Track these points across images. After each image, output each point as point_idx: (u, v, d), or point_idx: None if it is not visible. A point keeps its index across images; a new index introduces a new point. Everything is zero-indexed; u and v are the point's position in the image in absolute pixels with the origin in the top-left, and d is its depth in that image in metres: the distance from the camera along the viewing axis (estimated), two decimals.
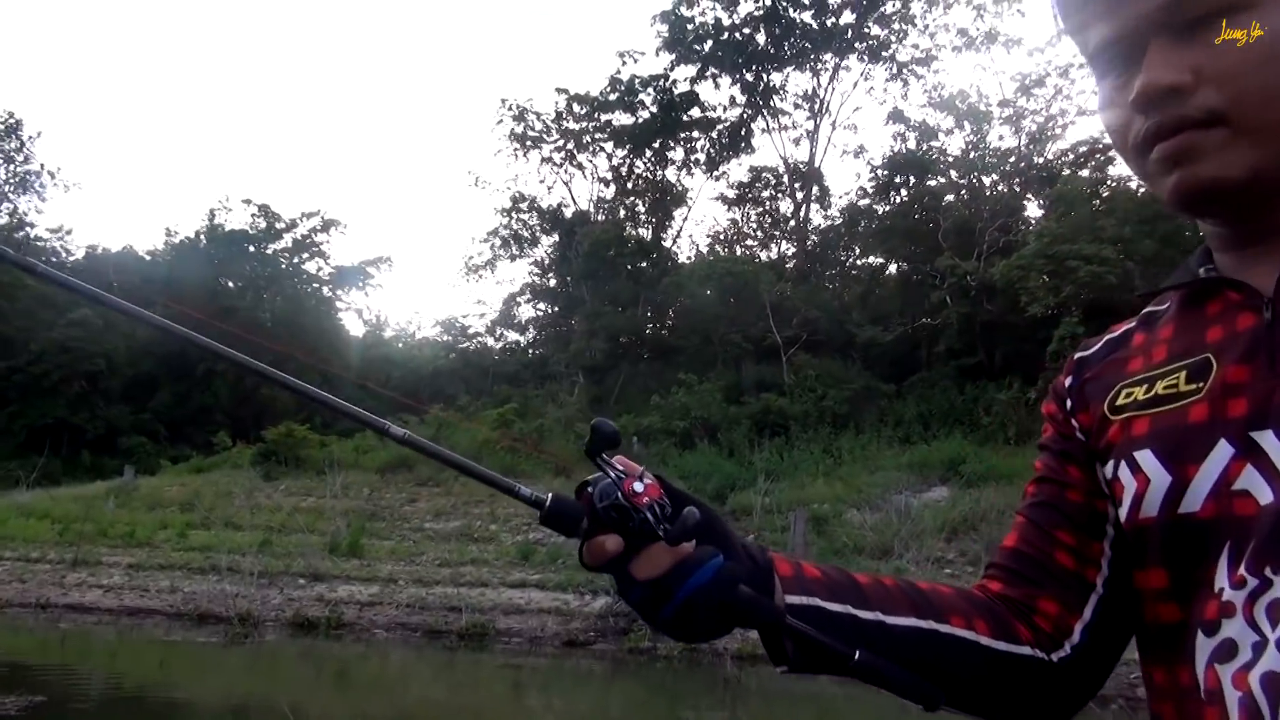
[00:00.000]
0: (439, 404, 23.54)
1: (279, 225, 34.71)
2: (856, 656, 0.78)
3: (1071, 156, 25.11)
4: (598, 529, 0.74)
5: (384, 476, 19.00)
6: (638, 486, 0.74)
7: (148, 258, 35.58)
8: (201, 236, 34.47)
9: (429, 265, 69.54)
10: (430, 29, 66.03)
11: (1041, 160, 25.43)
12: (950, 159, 26.21)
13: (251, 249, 34.56)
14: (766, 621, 0.77)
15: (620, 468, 0.75)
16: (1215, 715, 0.70)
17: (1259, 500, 0.69)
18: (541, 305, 32.86)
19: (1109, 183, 22.69)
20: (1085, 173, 23.73)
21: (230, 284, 34.00)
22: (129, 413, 29.56)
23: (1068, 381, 0.91)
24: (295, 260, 35.43)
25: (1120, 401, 0.82)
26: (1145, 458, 0.77)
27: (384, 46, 67.14)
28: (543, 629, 12.44)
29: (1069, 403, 0.90)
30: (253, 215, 34.64)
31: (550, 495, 0.75)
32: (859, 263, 28.84)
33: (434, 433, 19.73)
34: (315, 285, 35.92)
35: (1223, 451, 0.72)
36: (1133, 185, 22.54)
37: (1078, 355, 0.92)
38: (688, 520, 0.74)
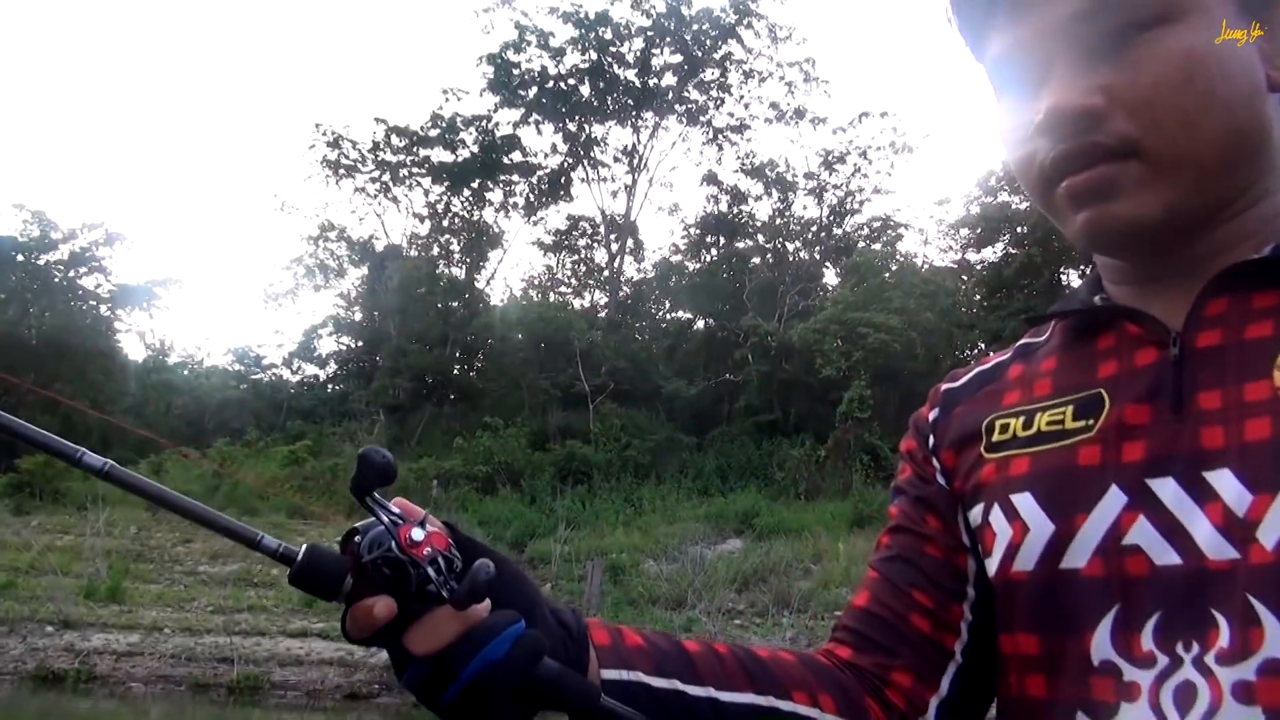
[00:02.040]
0: (224, 438, 22.07)
1: (55, 235, 31.74)
2: None
3: (867, 230, 27.10)
4: (365, 589, 0.59)
5: (155, 515, 17.52)
6: (417, 534, 0.59)
7: None
8: None
9: (224, 290, 65.49)
10: (243, 42, 63.15)
11: (840, 232, 27.24)
12: (758, 224, 27.60)
13: (20, 258, 31.43)
14: (578, 705, 0.62)
15: (396, 511, 0.60)
16: None
17: (1153, 559, 0.60)
18: (345, 339, 31.59)
19: (898, 257, 24.55)
20: (878, 246, 25.60)
21: None
22: None
23: (932, 415, 0.80)
24: (71, 274, 32.51)
25: (996, 437, 0.72)
26: (1024, 502, 0.67)
27: (189, 54, 63.58)
28: (323, 681, 11.76)
29: (931, 439, 0.79)
30: (24, 221, 31.54)
31: (304, 547, 0.60)
32: (668, 316, 29.65)
33: (216, 468, 18.48)
34: (93, 303, 33.04)
35: (1114, 499, 0.62)
36: (917, 261, 24.49)
37: (944, 387, 0.81)
38: (478, 576, 0.58)
